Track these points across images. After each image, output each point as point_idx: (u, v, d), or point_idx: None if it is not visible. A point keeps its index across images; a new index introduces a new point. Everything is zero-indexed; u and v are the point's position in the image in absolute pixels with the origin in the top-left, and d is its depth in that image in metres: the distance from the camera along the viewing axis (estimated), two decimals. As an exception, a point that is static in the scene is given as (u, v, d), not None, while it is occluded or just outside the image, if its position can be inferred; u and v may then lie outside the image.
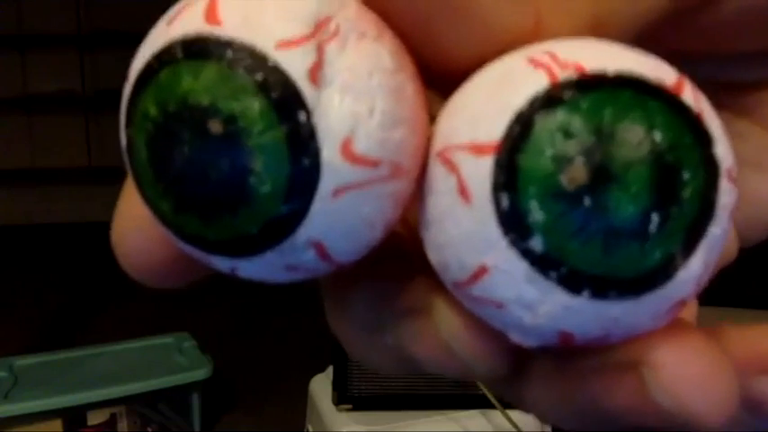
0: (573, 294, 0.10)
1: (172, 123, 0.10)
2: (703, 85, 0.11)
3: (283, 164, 0.10)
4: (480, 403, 0.85)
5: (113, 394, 1.20)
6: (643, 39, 0.11)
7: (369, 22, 0.11)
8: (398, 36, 0.11)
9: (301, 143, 0.10)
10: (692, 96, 0.10)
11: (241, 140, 0.10)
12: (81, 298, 1.96)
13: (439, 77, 0.12)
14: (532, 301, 0.10)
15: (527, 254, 0.10)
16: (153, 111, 0.10)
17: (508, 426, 0.76)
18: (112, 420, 1.22)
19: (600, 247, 0.10)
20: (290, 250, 0.11)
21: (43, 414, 1.16)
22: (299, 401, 1.06)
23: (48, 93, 2.63)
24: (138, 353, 1.32)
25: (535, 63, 0.10)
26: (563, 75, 0.10)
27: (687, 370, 0.10)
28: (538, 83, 0.10)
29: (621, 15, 0.11)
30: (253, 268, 0.11)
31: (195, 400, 1.30)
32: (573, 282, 0.10)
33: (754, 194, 0.15)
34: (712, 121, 0.10)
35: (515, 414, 0.75)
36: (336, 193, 0.10)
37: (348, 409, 0.91)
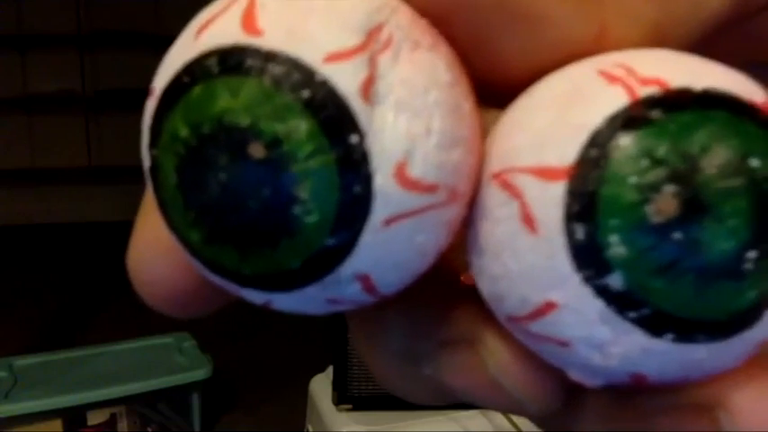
0: (653, 336, 0.09)
1: (206, 146, 0.09)
2: None
3: (332, 192, 0.09)
4: (480, 403, 0.85)
5: (113, 394, 1.21)
6: (694, 44, 0.11)
7: (422, 29, 0.10)
8: (451, 44, 0.10)
9: (353, 168, 0.09)
10: None
11: (285, 166, 0.09)
12: (81, 298, 1.96)
13: (491, 89, 0.11)
14: (605, 342, 0.09)
15: (603, 292, 0.09)
16: (184, 131, 0.09)
17: (508, 426, 0.76)
18: (112, 420, 1.22)
19: (690, 287, 0.09)
20: (334, 284, 0.10)
21: (43, 414, 1.16)
22: (299, 401, 1.06)
23: (48, 93, 2.63)
24: (138, 353, 1.32)
25: (609, 77, 0.09)
26: (644, 91, 0.09)
27: (765, 414, 0.10)
28: (615, 100, 0.09)
29: (684, 23, 0.11)
30: (290, 301, 0.10)
31: (195, 400, 1.30)
32: (655, 324, 0.09)
33: None
34: None
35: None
36: (389, 222, 0.09)
37: (348, 409, 0.91)
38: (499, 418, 0.81)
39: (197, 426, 1.32)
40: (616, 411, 0.11)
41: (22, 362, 1.26)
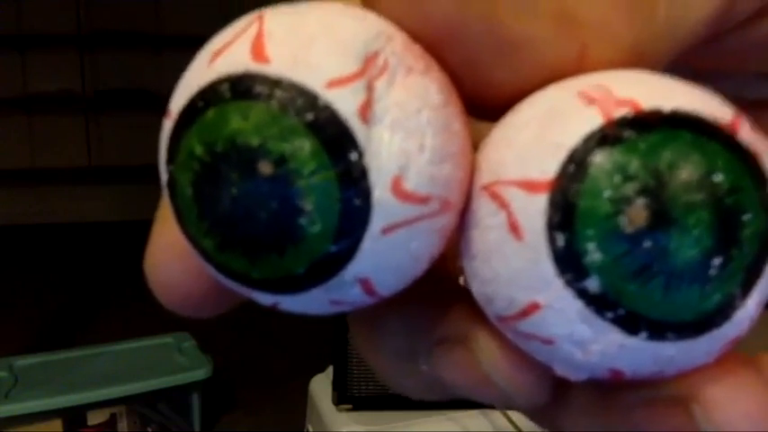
0: (629, 335, 0.10)
1: (220, 164, 0.10)
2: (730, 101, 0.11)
3: (334, 204, 0.10)
4: (480, 403, 0.85)
5: (113, 394, 1.21)
6: (672, 59, 0.11)
7: (415, 55, 0.11)
8: (443, 68, 0.11)
9: (352, 183, 0.10)
10: (747, 135, 0.10)
11: (291, 181, 0.10)
12: (81, 298, 1.96)
13: (480, 106, 0.11)
14: (585, 340, 0.10)
15: (582, 294, 0.10)
16: (199, 150, 0.10)
17: (508, 426, 0.76)
18: (112, 420, 1.22)
19: (660, 290, 0.10)
20: (337, 287, 0.10)
21: (43, 414, 1.16)
22: (299, 401, 1.06)
23: (48, 93, 2.63)
24: (138, 353, 1.32)
25: (587, 98, 0.10)
26: (617, 112, 0.10)
27: (738, 406, 0.11)
28: (591, 120, 0.10)
29: (662, 41, 0.11)
30: (296, 303, 0.11)
31: (195, 400, 1.30)
32: (630, 323, 0.10)
33: None
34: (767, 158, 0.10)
35: (515, 414, 0.75)
36: (386, 230, 0.10)
37: (348, 409, 0.91)
38: (499, 418, 0.81)
39: (197, 426, 1.32)
40: (599, 406, 0.12)
41: (22, 362, 1.26)
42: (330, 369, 0.95)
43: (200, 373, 1.27)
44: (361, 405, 0.91)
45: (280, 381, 1.47)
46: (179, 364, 1.29)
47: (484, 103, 0.11)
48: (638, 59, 0.11)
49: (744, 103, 0.13)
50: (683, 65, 0.11)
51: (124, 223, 2.45)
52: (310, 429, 1.01)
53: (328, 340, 0.93)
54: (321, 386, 0.97)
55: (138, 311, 1.75)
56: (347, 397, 0.91)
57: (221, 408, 1.43)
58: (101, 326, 1.75)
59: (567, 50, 0.11)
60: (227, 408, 1.44)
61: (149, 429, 1.25)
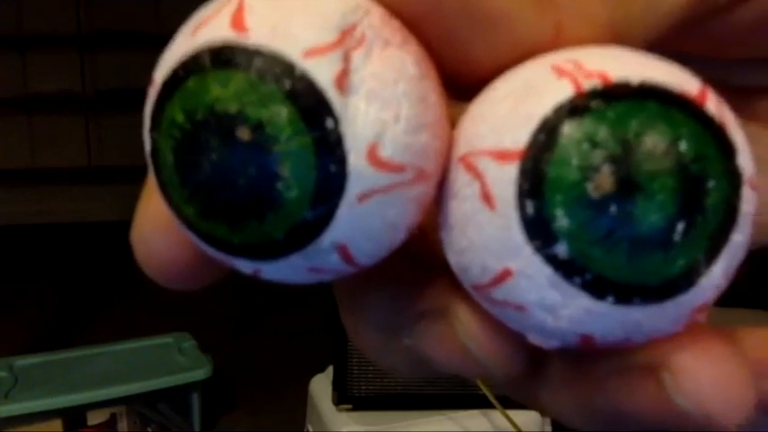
0: (596, 299, 0.10)
1: (199, 131, 0.10)
2: (714, 88, 0.11)
3: (310, 170, 0.10)
4: (480, 403, 0.85)
5: (113, 394, 1.20)
6: (654, 43, 0.11)
7: (393, 29, 0.11)
8: (421, 43, 0.11)
9: (328, 150, 0.10)
10: (715, 106, 0.10)
11: (269, 147, 0.10)
12: (81, 298, 1.96)
13: (459, 82, 0.12)
14: (555, 305, 0.10)
15: (551, 259, 0.10)
16: (180, 118, 0.10)
17: (508, 426, 0.76)
18: (112, 420, 1.22)
19: (625, 255, 0.10)
20: (315, 253, 0.11)
21: (43, 414, 1.16)
22: (299, 401, 1.06)
23: (48, 93, 2.63)
24: (138, 353, 1.32)
25: (559, 71, 0.10)
26: (587, 84, 0.10)
27: (706, 373, 0.11)
28: (562, 91, 0.10)
29: (638, 22, 0.11)
30: (276, 270, 0.11)
31: (195, 400, 1.30)
32: (597, 287, 0.10)
33: (763, 197, 0.15)
34: (735, 130, 0.10)
35: (515, 414, 0.75)
36: (362, 197, 0.10)
37: (348, 409, 0.91)
38: (499, 418, 0.81)
39: (197, 426, 1.32)
40: (574, 377, 0.12)
41: (22, 362, 1.26)
42: (330, 369, 0.95)
43: (200, 373, 1.27)
44: (361, 405, 0.91)
45: (280, 381, 1.47)
46: (179, 364, 1.29)
47: (462, 80, 0.12)
48: (616, 38, 0.11)
49: (730, 90, 0.13)
50: (667, 49, 0.11)
51: (124, 223, 2.44)
52: (310, 429, 1.01)
53: (328, 340, 0.93)
54: (321, 386, 0.97)
55: (138, 311, 1.75)
56: (347, 397, 0.91)
57: (221, 408, 1.43)
58: (101, 326, 1.75)
59: (542, 27, 0.11)
60: (227, 408, 1.44)
61: (149, 429, 1.25)
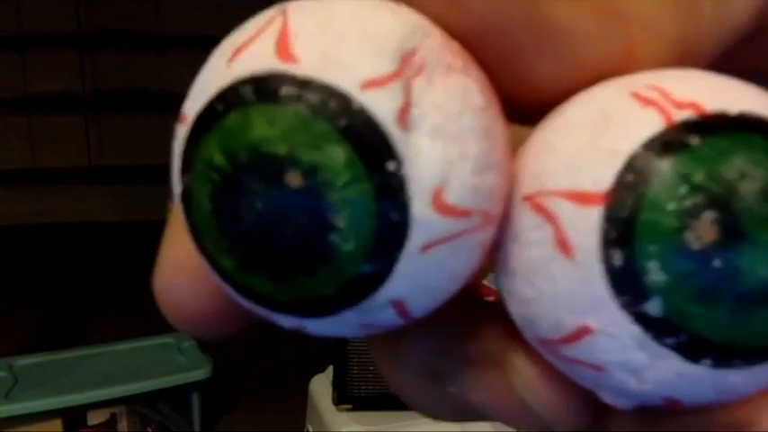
0: (691, 362, 0.09)
1: (243, 174, 0.09)
2: None
3: (369, 220, 0.09)
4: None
5: (113, 394, 1.20)
6: (716, 61, 0.11)
7: (454, 52, 0.10)
8: (480, 66, 0.10)
9: (390, 196, 0.09)
10: None
11: (323, 194, 0.09)
12: (81, 298, 1.96)
13: (514, 107, 0.11)
14: (640, 367, 0.09)
15: (641, 318, 0.09)
16: (219, 159, 0.09)
17: (508, 426, 0.76)
18: (112, 420, 1.22)
19: (729, 313, 0.09)
20: (368, 310, 0.10)
21: (43, 414, 1.16)
22: (299, 401, 1.06)
23: (48, 93, 2.63)
24: (138, 353, 1.32)
25: (642, 100, 0.09)
26: (679, 115, 0.09)
27: None
28: (650, 124, 0.09)
29: (707, 39, 0.11)
30: (324, 327, 0.10)
31: (195, 400, 1.30)
32: (693, 349, 0.09)
33: None
34: None
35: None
36: (425, 248, 0.09)
37: (348, 409, 0.91)
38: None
39: (197, 426, 1.32)
40: (644, 429, 0.11)
41: (22, 362, 1.26)
42: (330, 369, 0.95)
43: (200, 373, 1.27)
44: (361, 405, 0.91)
45: (280, 381, 1.47)
46: (179, 364, 1.29)
47: (521, 105, 0.11)
48: (684, 56, 0.10)
49: None
50: (722, 64, 0.10)
51: (124, 223, 2.45)
52: (310, 429, 1.01)
53: (328, 340, 0.93)
54: (321, 386, 0.97)
55: (139, 311, 1.74)
56: (347, 397, 0.91)
57: (221, 408, 1.43)
58: (101, 326, 1.75)
59: (612, 45, 0.10)
60: (227, 408, 1.44)
61: (149, 429, 1.25)
